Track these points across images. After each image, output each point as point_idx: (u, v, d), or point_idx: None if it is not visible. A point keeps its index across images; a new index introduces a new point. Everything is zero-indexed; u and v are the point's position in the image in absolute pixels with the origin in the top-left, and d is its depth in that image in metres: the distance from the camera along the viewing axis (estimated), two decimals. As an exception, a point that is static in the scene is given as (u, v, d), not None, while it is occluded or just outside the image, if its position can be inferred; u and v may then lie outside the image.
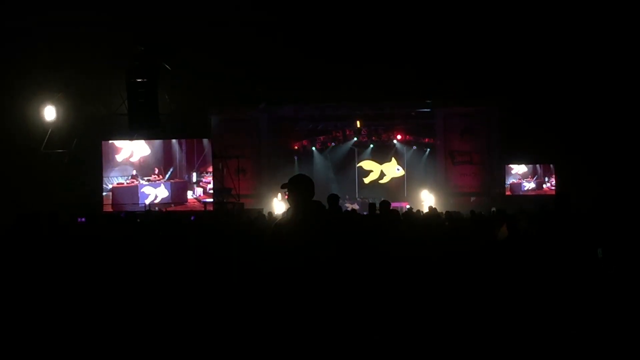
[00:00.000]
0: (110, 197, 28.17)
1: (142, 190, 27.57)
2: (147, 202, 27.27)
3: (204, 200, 28.04)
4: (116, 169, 28.37)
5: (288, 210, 5.72)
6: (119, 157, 28.55)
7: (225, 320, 7.73)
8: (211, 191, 28.37)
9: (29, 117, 28.42)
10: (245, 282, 7.89)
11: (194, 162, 28.44)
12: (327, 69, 30.09)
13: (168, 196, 27.66)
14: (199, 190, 28.06)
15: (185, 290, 8.20)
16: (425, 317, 8.50)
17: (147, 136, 29.51)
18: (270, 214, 20.82)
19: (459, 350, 7.52)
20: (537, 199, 31.48)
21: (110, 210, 27.20)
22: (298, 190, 5.60)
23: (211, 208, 27.76)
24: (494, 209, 21.07)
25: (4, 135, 26.23)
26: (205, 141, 29.42)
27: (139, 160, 28.57)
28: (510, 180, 35.18)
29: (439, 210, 23.74)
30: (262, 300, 5.89)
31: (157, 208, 26.43)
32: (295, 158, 37.17)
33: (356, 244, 7.43)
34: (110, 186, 28.15)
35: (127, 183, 27.83)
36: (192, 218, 20.15)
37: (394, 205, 28.27)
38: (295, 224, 5.52)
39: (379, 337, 7.68)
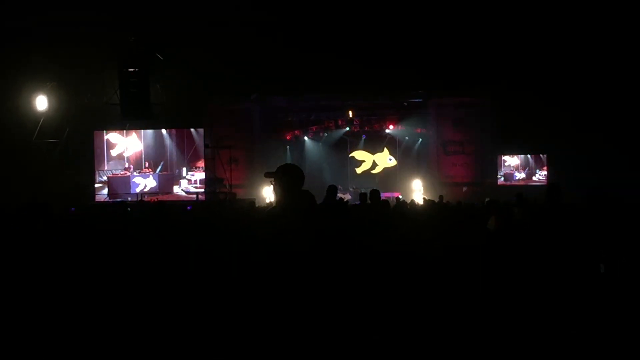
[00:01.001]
0: (107, 187, 28.37)
1: (133, 180, 28.11)
2: (138, 190, 27.78)
3: (188, 190, 28.28)
4: (111, 162, 28.68)
5: (276, 199, 5.68)
6: (114, 152, 28.85)
7: (217, 313, 7.72)
8: (196, 185, 28.56)
9: (21, 107, 28.39)
10: (236, 274, 7.87)
11: (185, 156, 28.64)
12: (320, 60, 30.05)
13: (156, 186, 28.30)
14: (184, 183, 28.31)
15: (178, 282, 8.20)
16: (413, 311, 8.50)
17: (139, 126, 29.48)
18: (268, 204, 20.81)
19: (448, 347, 7.51)
20: (528, 189, 31.56)
21: (106, 199, 27.96)
22: (286, 179, 5.56)
23: (203, 198, 27.82)
24: (487, 199, 21.08)
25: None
26: (196, 135, 29.41)
27: (133, 155, 28.71)
28: (505, 171, 35.29)
29: (431, 199, 23.80)
30: (250, 293, 5.86)
31: (145, 197, 26.78)
32: (288, 148, 37.18)
33: (341, 235, 7.35)
34: (105, 177, 28.33)
35: (121, 174, 28.14)
36: (188, 208, 20.21)
37: (386, 195, 28.55)
38: (283, 214, 5.48)
39: (377, 337, 7.70)
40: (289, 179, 5.56)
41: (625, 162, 28.48)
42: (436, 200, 22.31)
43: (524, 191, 17.00)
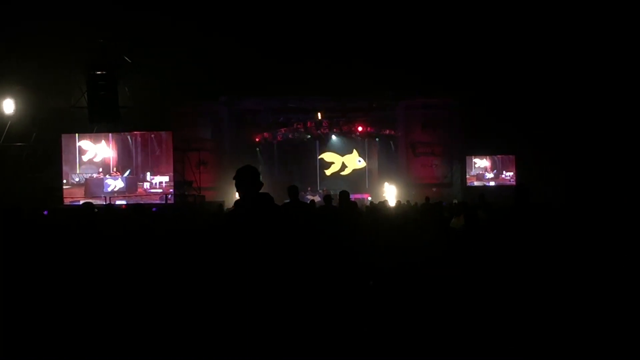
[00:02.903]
0: (84, 188, 28.95)
1: (106, 182, 28.45)
2: (109, 189, 28.64)
3: (151, 191, 28.76)
4: (82, 167, 28.89)
5: (236, 201, 5.81)
6: (85, 158, 28.92)
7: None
8: (155, 188, 28.94)
9: (-13, 111, 28.21)
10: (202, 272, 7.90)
11: (149, 160, 28.95)
12: (289, 62, 30.14)
13: (124, 187, 28.61)
14: (146, 185, 28.80)
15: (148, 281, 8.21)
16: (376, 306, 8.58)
17: (107, 129, 29.35)
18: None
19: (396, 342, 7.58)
20: (498, 190, 31.83)
21: (81, 198, 28.03)
22: (243, 181, 5.66)
23: (172, 200, 27.82)
24: (455, 200, 21.24)
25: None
26: (164, 138, 29.46)
27: (102, 160, 28.88)
28: (475, 172, 35.57)
29: (402, 202, 23.96)
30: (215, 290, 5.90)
31: (115, 201, 27.34)
32: (257, 150, 37.16)
33: (304, 236, 7.37)
34: (77, 179, 28.75)
35: (96, 176, 28.54)
36: (153, 209, 20.22)
37: (356, 197, 28.60)
38: (240, 216, 5.60)
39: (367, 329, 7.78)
40: (248, 180, 5.68)
41: (592, 161, 28.80)
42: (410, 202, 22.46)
43: (494, 192, 17.23)
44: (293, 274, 5.50)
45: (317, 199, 27.21)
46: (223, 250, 5.52)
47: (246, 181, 5.65)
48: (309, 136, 37.11)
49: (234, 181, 5.69)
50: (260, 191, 5.67)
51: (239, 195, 5.69)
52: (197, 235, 10.04)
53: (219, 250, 5.59)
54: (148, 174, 29.00)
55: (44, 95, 29.44)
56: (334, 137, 37.16)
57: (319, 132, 36.79)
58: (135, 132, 29.13)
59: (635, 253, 8.50)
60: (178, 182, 29.11)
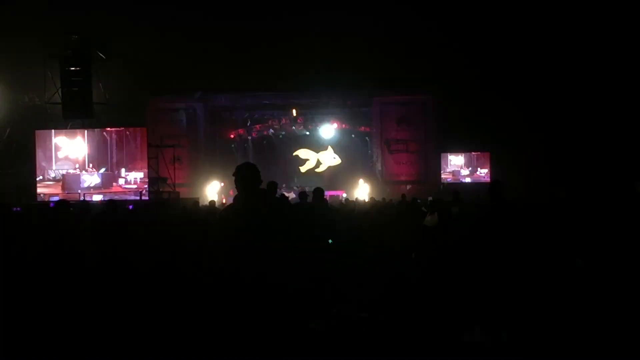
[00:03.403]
0: (61, 183, 29.00)
1: (82, 178, 28.36)
2: (85, 185, 28.72)
3: (126, 187, 28.85)
4: (58, 163, 28.85)
5: (235, 197, 5.92)
6: (60, 154, 28.88)
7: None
8: (130, 185, 29.01)
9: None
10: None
11: (123, 156, 28.95)
12: (263, 58, 30.17)
13: (99, 183, 28.62)
14: (121, 181, 28.88)
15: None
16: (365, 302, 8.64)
17: (81, 125, 29.22)
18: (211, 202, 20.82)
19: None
20: (473, 186, 31.87)
21: (61, 192, 28.23)
22: (243, 177, 5.71)
23: (147, 197, 27.77)
24: (430, 197, 21.26)
25: None
26: (137, 134, 29.43)
27: (77, 157, 28.84)
28: (450, 169, 35.65)
29: (376, 199, 24.04)
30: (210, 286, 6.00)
31: (89, 197, 27.31)
32: (232, 146, 37.12)
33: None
34: (53, 175, 28.77)
35: (73, 172, 28.47)
36: (130, 207, 20.14)
37: (330, 193, 28.63)
38: (241, 211, 5.66)
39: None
40: (249, 177, 5.74)
41: (567, 159, 28.99)
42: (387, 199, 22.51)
43: (469, 188, 17.29)
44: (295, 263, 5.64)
45: (292, 195, 27.24)
46: (225, 245, 5.60)
47: (247, 178, 5.72)
48: (284, 133, 37.11)
49: (226, 178, 5.84)
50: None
51: (238, 192, 5.77)
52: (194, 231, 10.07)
53: (221, 245, 5.68)
54: (123, 170, 28.99)
55: (17, 92, 29.30)
56: (308, 134, 37.13)
57: (293, 128, 36.78)
58: (110, 129, 29.05)
59: (609, 249, 8.60)
60: (152, 178, 29.04)
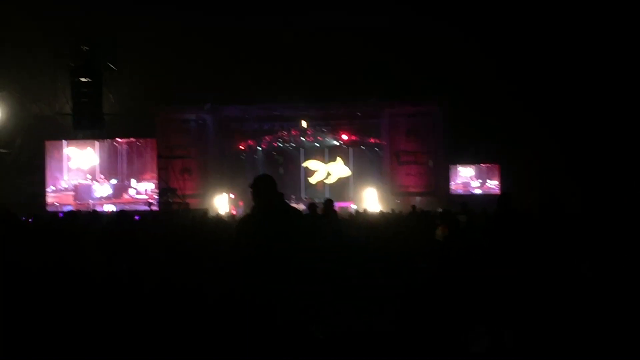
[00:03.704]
0: (74, 193, 29.59)
1: (93, 187, 28.69)
2: (97, 195, 29.23)
3: (137, 197, 29.04)
4: (70, 173, 29.18)
5: (253, 207, 6.02)
6: (72, 165, 29.17)
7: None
8: (141, 195, 29.18)
9: (-29, 117, 28.12)
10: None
11: (134, 167, 29.16)
12: (273, 69, 30.23)
13: (111, 194, 28.87)
14: (132, 192, 29.06)
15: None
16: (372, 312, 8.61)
17: (92, 136, 29.35)
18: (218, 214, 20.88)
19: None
20: (484, 198, 31.76)
21: (73, 202, 29.03)
22: (259, 188, 5.92)
23: (156, 208, 27.84)
24: (440, 209, 21.20)
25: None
26: (148, 145, 29.59)
27: (89, 168, 29.10)
28: (460, 181, 35.62)
29: (385, 210, 24.00)
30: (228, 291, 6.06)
31: (99, 208, 27.53)
32: (242, 157, 37.11)
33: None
34: (65, 186, 29.52)
35: (85, 182, 28.84)
36: (136, 218, 20.14)
37: (340, 205, 28.60)
38: (259, 220, 5.81)
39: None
40: (264, 187, 5.95)
41: (576, 170, 28.92)
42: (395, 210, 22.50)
43: (479, 200, 17.26)
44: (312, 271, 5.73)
45: (301, 207, 27.24)
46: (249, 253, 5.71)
47: (263, 190, 5.93)
48: (293, 144, 37.08)
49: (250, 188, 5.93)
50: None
51: (255, 203, 5.94)
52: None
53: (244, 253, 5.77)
54: (133, 180, 29.13)
55: (28, 102, 29.41)
56: (318, 145, 37.10)
57: (303, 139, 36.75)
58: (120, 139, 29.19)
59: (614, 259, 8.57)
60: (162, 189, 29.13)
